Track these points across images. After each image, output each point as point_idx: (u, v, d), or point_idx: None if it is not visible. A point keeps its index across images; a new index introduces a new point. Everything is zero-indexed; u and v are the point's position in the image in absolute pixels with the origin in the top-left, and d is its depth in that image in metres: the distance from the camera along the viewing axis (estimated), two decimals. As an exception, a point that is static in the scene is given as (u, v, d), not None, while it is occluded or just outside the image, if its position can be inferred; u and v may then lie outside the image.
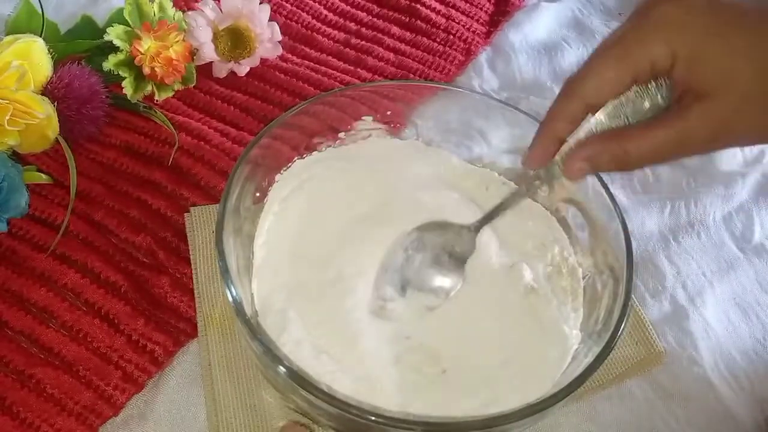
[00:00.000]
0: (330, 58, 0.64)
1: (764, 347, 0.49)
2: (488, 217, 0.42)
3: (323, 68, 0.62)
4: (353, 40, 0.65)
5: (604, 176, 0.43)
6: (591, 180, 0.44)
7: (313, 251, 0.44)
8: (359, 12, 0.68)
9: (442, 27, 0.67)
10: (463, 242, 0.42)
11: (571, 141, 0.37)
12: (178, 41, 0.56)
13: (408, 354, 0.40)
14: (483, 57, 0.66)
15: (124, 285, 0.47)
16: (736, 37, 0.32)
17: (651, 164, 0.37)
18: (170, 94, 0.58)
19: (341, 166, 0.49)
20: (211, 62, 0.60)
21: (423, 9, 0.68)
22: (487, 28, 0.68)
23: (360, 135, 0.50)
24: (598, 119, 0.36)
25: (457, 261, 0.42)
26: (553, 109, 0.37)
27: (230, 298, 0.37)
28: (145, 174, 0.53)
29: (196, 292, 0.47)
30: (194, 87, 0.60)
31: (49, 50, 0.51)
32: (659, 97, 0.35)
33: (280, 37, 0.62)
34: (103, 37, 0.54)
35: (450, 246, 0.42)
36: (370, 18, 0.68)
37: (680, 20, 0.33)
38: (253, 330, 0.36)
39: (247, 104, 0.59)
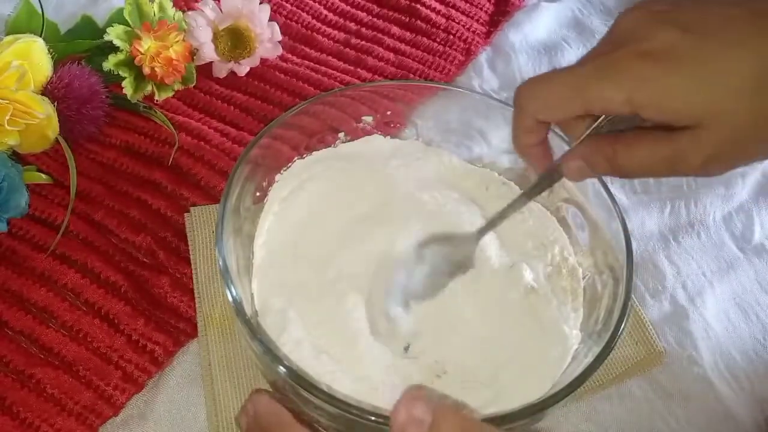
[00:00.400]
0: (330, 58, 0.64)
1: (764, 347, 0.49)
2: (490, 225, 0.42)
3: (323, 68, 0.62)
4: (353, 40, 0.65)
5: (604, 176, 0.43)
6: (591, 180, 0.44)
7: (313, 251, 0.44)
8: (359, 12, 0.68)
9: (442, 27, 0.67)
10: (464, 251, 0.42)
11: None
12: (178, 41, 0.56)
13: (408, 354, 0.40)
14: (483, 57, 0.66)
15: (124, 285, 0.47)
16: (704, 69, 0.31)
17: (642, 176, 0.37)
18: (170, 94, 0.58)
19: (341, 166, 0.49)
20: (211, 62, 0.60)
21: (423, 9, 0.68)
22: (487, 28, 0.68)
23: (360, 135, 0.50)
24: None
25: (459, 269, 0.42)
26: (513, 122, 0.38)
27: (230, 298, 0.37)
28: (145, 174, 0.53)
29: (196, 292, 0.47)
30: (194, 87, 0.60)
31: (49, 50, 0.51)
32: None
33: (280, 37, 0.62)
34: (103, 37, 0.54)
35: (451, 256, 0.42)
36: (370, 18, 0.68)
37: (639, 73, 0.32)
38: (253, 330, 0.36)
39: (247, 104, 0.59)
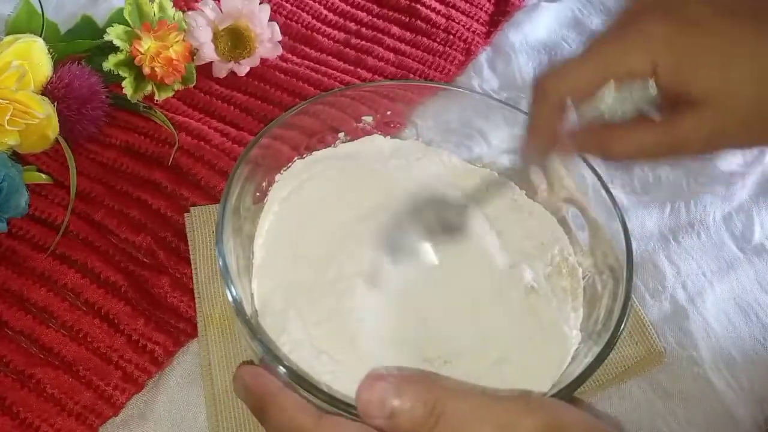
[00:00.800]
0: (330, 58, 0.64)
1: (764, 347, 0.49)
2: (482, 191, 0.42)
3: (323, 68, 0.62)
4: (353, 40, 0.65)
5: (604, 176, 0.43)
6: (591, 180, 0.44)
7: (313, 251, 0.44)
8: (359, 12, 0.68)
9: (442, 27, 0.67)
10: (455, 214, 0.43)
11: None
12: (178, 41, 0.56)
13: (407, 355, 0.40)
14: (483, 57, 0.66)
15: (124, 285, 0.47)
16: (730, 47, 0.32)
17: (635, 161, 0.37)
18: (170, 94, 0.58)
19: (341, 166, 0.49)
20: (211, 62, 0.60)
21: (423, 9, 0.68)
22: (487, 28, 0.68)
23: (360, 135, 0.50)
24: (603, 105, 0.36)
25: (451, 230, 0.43)
26: (532, 111, 0.37)
27: (230, 298, 0.37)
28: (145, 174, 0.53)
29: (196, 292, 0.47)
30: (194, 87, 0.60)
31: (49, 50, 0.51)
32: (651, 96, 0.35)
33: (280, 37, 0.62)
34: (103, 37, 0.54)
35: (442, 217, 0.43)
36: (370, 18, 0.68)
37: (668, 35, 0.32)
38: (253, 330, 0.36)
39: (247, 104, 0.59)
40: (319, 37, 0.66)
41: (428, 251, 0.42)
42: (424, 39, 0.66)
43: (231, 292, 0.37)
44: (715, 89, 0.32)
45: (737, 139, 0.34)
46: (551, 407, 0.30)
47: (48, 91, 0.50)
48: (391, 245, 0.42)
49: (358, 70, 0.63)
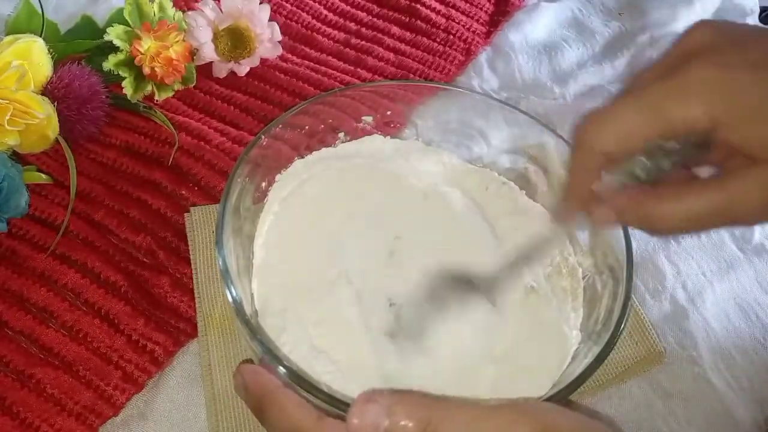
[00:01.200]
0: (330, 58, 0.64)
1: (764, 347, 0.49)
2: (511, 266, 0.39)
3: (323, 68, 0.62)
4: (353, 40, 0.65)
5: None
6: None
7: (313, 251, 0.44)
8: (359, 12, 0.68)
9: (442, 27, 0.67)
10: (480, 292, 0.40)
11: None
12: (178, 41, 0.56)
13: (407, 355, 0.40)
14: (483, 57, 0.66)
15: (124, 285, 0.47)
16: None
17: (684, 232, 0.33)
18: (170, 94, 0.58)
19: (341, 166, 0.49)
20: (211, 62, 0.60)
21: (423, 9, 0.68)
22: (487, 28, 0.68)
23: (360, 135, 0.50)
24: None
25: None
26: (571, 166, 0.34)
27: (230, 298, 0.37)
28: (145, 174, 0.53)
29: (196, 292, 0.47)
30: (194, 87, 0.60)
31: (49, 50, 0.51)
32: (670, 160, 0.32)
33: (280, 37, 0.62)
34: (103, 37, 0.54)
35: (466, 296, 0.40)
36: (370, 18, 0.68)
37: (727, 82, 0.29)
38: (253, 330, 0.36)
39: (247, 104, 0.59)
40: (319, 37, 0.66)
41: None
42: (424, 39, 0.66)
43: (231, 292, 0.37)
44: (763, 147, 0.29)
45: None
46: (544, 412, 0.30)
47: (48, 91, 0.50)
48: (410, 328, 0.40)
49: (358, 70, 0.63)
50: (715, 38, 0.31)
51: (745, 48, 0.30)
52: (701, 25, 0.32)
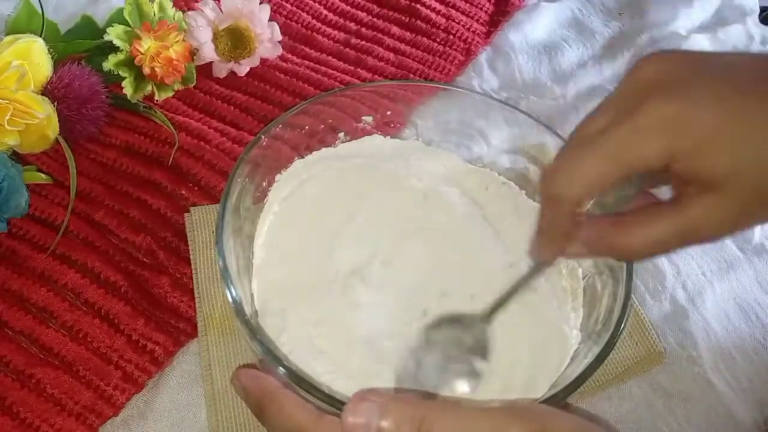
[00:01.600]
0: (330, 58, 0.64)
1: (764, 347, 0.49)
2: (500, 303, 0.39)
3: (323, 68, 0.62)
4: (353, 40, 0.65)
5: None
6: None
7: (313, 251, 0.44)
8: (359, 12, 0.68)
9: (442, 27, 0.67)
10: (475, 334, 0.40)
11: None
12: (178, 41, 0.56)
13: (406, 355, 0.40)
14: (483, 57, 0.66)
15: (124, 285, 0.47)
16: (744, 127, 0.29)
17: (650, 257, 0.34)
18: (170, 94, 0.58)
19: (341, 166, 0.49)
20: (211, 62, 0.60)
21: (423, 9, 0.68)
22: (487, 28, 0.68)
23: (360, 135, 0.50)
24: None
25: (472, 355, 0.39)
26: (543, 219, 0.35)
27: (230, 299, 0.37)
28: (145, 174, 0.53)
29: (196, 292, 0.47)
30: (194, 87, 0.60)
31: (49, 50, 0.51)
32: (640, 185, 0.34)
33: (280, 37, 0.62)
34: (103, 37, 0.54)
35: (461, 340, 0.40)
36: (370, 18, 0.68)
37: (680, 117, 0.30)
38: (253, 330, 0.36)
39: (247, 104, 0.59)
40: (319, 37, 0.66)
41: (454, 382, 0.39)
42: (424, 39, 0.66)
43: (231, 292, 0.37)
44: (730, 171, 0.29)
45: (757, 217, 0.31)
46: (541, 414, 0.30)
47: (48, 91, 0.50)
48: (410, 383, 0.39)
49: (358, 70, 0.63)
50: (666, 72, 0.31)
51: (696, 80, 0.31)
52: (652, 58, 0.32)
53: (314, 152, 0.49)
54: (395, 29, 0.66)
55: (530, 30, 0.69)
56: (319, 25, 0.67)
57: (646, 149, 0.30)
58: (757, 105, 0.29)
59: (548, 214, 0.35)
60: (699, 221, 0.31)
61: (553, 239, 0.36)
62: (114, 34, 0.54)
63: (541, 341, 0.41)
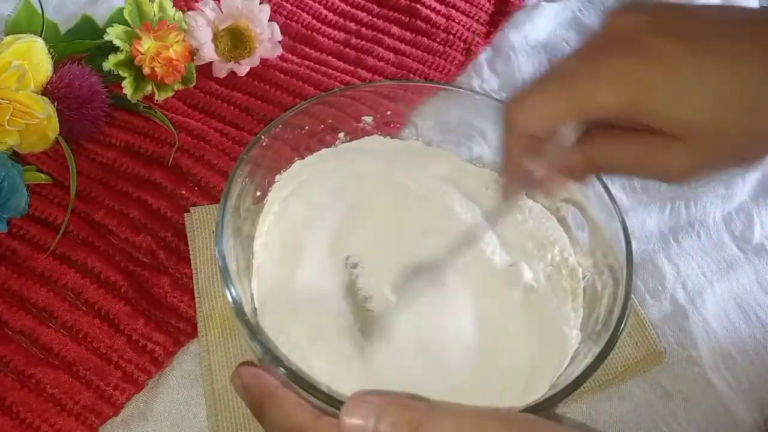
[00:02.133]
0: (330, 58, 0.64)
1: (764, 347, 0.49)
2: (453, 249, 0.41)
3: (323, 68, 0.62)
4: (353, 40, 0.65)
5: (604, 176, 0.43)
6: (591, 180, 0.44)
7: (313, 251, 0.44)
8: (359, 12, 0.68)
9: (442, 27, 0.67)
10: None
11: None
12: (178, 41, 0.56)
13: (407, 355, 0.40)
14: (483, 57, 0.66)
15: (124, 285, 0.47)
16: (694, 76, 0.30)
17: (618, 171, 0.36)
18: (170, 94, 0.58)
19: (341, 167, 0.49)
20: (211, 62, 0.60)
21: (423, 9, 0.68)
22: (487, 28, 0.68)
23: (360, 135, 0.50)
24: None
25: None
26: (504, 146, 0.36)
27: (230, 298, 0.37)
28: (145, 174, 0.53)
29: (196, 292, 0.47)
30: (194, 87, 0.60)
31: (49, 50, 0.51)
32: None
33: (280, 37, 0.62)
34: (103, 37, 0.54)
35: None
36: (370, 18, 0.68)
37: (631, 71, 0.31)
38: (253, 330, 0.36)
39: (247, 104, 0.59)
40: (319, 37, 0.66)
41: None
42: (424, 39, 0.66)
43: (231, 292, 0.37)
44: (684, 123, 0.31)
45: (714, 167, 0.33)
46: (530, 423, 0.31)
47: (48, 91, 0.50)
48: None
49: (358, 70, 0.63)
50: (632, 25, 0.32)
51: (657, 36, 0.32)
52: (621, 11, 0.34)
53: (314, 152, 0.49)
54: (395, 29, 0.66)
55: (530, 30, 0.69)
56: (319, 25, 0.67)
57: (601, 99, 0.31)
58: (716, 63, 0.31)
59: (506, 140, 0.36)
60: (665, 164, 0.32)
61: (512, 167, 0.37)
62: (114, 34, 0.54)
63: (541, 341, 0.41)
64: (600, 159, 0.35)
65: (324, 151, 0.49)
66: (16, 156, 0.51)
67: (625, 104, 0.31)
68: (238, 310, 0.37)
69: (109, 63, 0.54)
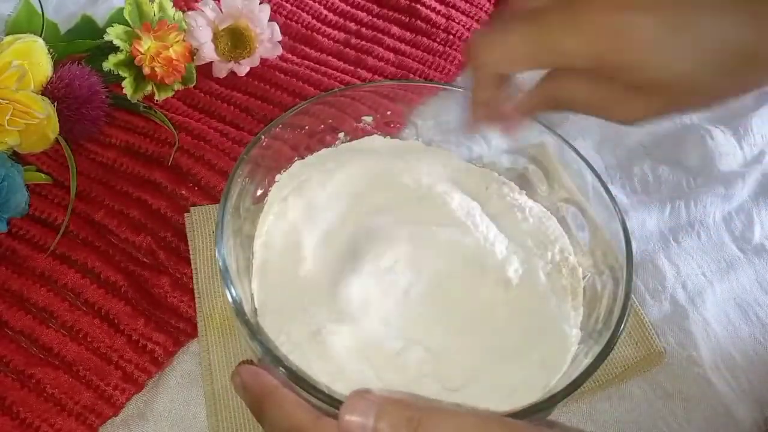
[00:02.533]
0: (330, 58, 0.64)
1: (764, 347, 0.49)
2: None
3: (323, 68, 0.62)
4: (353, 40, 0.65)
5: (604, 176, 0.43)
6: (591, 180, 0.44)
7: (313, 251, 0.44)
8: (359, 12, 0.68)
9: (442, 27, 0.67)
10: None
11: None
12: (178, 41, 0.56)
13: (407, 354, 0.40)
14: (483, 57, 0.66)
15: (124, 285, 0.47)
16: (689, 30, 0.30)
17: (580, 109, 0.35)
18: (170, 94, 0.58)
19: (341, 167, 0.49)
20: (211, 62, 0.60)
21: (423, 9, 0.68)
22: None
23: (360, 135, 0.50)
24: None
25: None
26: (472, 83, 0.37)
27: (230, 298, 0.37)
28: (145, 174, 0.53)
29: (196, 292, 0.47)
30: (194, 87, 0.60)
31: (49, 50, 0.51)
32: None
33: (280, 37, 0.62)
34: (103, 37, 0.54)
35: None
36: (370, 18, 0.68)
37: (614, 26, 0.31)
38: (253, 330, 0.36)
39: (247, 104, 0.59)
40: (319, 37, 0.66)
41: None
42: (424, 39, 0.66)
43: (231, 292, 0.37)
44: (655, 77, 0.31)
45: (670, 114, 0.34)
46: (528, 428, 0.31)
47: (48, 91, 0.50)
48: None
49: (358, 70, 0.63)
50: None
51: None
52: None
53: (314, 152, 0.49)
54: (395, 29, 0.66)
55: (530, 30, 0.69)
56: (319, 25, 0.67)
57: (574, 48, 0.31)
58: (696, 15, 0.30)
59: (474, 76, 0.36)
60: (623, 107, 0.33)
61: (477, 101, 0.37)
62: (114, 34, 0.54)
63: (541, 340, 0.41)
64: (560, 98, 0.35)
65: (324, 151, 0.49)
66: (16, 156, 0.51)
67: (597, 55, 0.31)
68: (238, 310, 0.37)
69: (109, 63, 0.54)
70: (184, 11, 0.59)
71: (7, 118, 0.47)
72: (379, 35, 0.66)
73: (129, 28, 0.55)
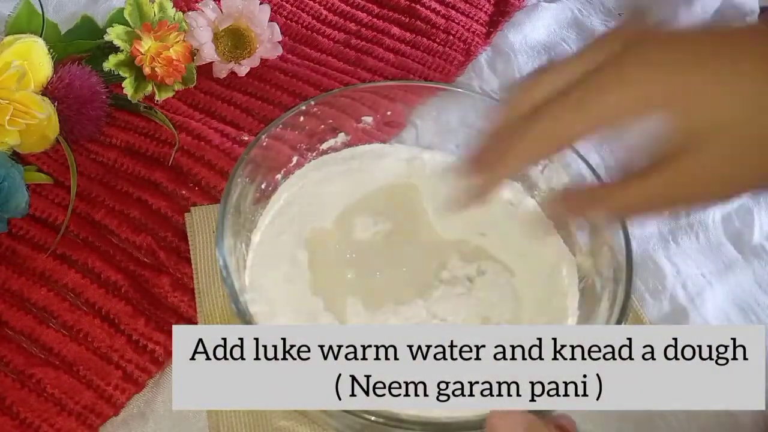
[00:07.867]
0: (330, 58, 0.64)
1: (764, 347, 0.49)
2: None
3: (323, 68, 0.62)
4: (353, 41, 0.65)
5: (604, 176, 0.43)
6: (591, 180, 0.44)
7: (313, 251, 0.44)
8: (359, 12, 0.68)
9: (442, 27, 0.67)
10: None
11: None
12: (178, 41, 0.56)
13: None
14: (483, 57, 0.66)
15: (124, 285, 0.47)
16: (725, 86, 0.30)
17: (640, 213, 0.35)
18: (170, 94, 0.58)
19: (341, 167, 0.49)
20: (212, 62, 0.60)
21: (423, 9, 0.68)
22: (487, 28, 0.68)
23: (360, 135, 0.50)
24: None
25: None
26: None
27: (230, 298, 0.37)
28: (145, 174, 0.53)
29: (196, 291, 0.47)
30: (194, 87, 0.60)
31: (49, 50, 0.51)
32: None
33: (280, 38, 0.62)
34: (103, 37, 0.54)
35: None
36: (370, 18, 0.68)
37: (665, 72, 0.30)
38: (254, 330, 0.36)
39: (247, 104, 0.59)
40: (319, 37, 0.66)
41: None
42: (424, 39, 0.66)
43: (231, 292, 0.37)
44: (707, 130, 0.30)
45: (744, 179, 0.32)
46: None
47: (48, 91, 0.50)
48: None
49: (358, 70, 0.63)
50: (633, 41, 0.32)
51: (672, 41, 0.32)
52: (611, 36, 0.34)
53: (314, 153, 0.49)
54: (395, 30, 0.66)
55: (530, 30, 0.69)
56: (319, 25, 0.67)
57: (629, 106, 0.31)
58: (735, 66, 0.30)
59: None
60: (698, 175, 0.31)
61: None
62: (114, 35, 0.54)
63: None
64: (625, 204, 0.34)
65: (324, 151, 0.49)
66: (16, 156, 0.51)
67: (651, 104, 0.31)
68: (238, 309, 0.37)
69: (110, 63, 0.54)
70: (184, 12, 0.59)
71: (8, 118, 0.47)
72: (379, 36, 0.66)
73: (129, 29, 0.55)
